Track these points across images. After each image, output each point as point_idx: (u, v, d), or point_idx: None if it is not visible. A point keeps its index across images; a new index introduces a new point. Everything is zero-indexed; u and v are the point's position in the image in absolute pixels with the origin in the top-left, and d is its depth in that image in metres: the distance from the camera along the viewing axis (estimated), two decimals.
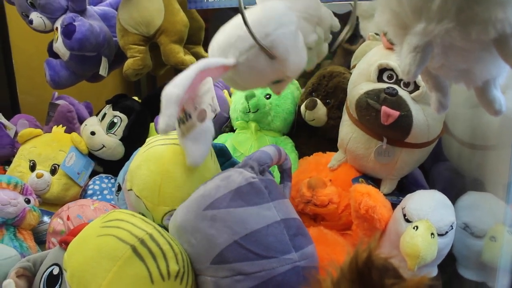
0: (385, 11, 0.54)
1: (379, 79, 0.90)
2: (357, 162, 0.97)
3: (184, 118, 0.71)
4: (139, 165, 0.78)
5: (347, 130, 0.97)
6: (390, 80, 0.89)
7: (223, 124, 1.14)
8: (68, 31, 1.07)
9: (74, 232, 0.80)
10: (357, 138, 0.94)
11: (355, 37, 1.36)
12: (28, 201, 0.97)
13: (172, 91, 0.61)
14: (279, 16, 0.70)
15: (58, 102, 1.36)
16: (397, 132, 0.87)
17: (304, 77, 1.21)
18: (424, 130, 0.88)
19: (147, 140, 0.82)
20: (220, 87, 1.20)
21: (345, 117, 0.99)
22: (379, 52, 0.94)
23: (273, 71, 0.71)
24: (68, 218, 0.94)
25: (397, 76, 0.88)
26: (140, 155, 0.79)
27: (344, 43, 0.95)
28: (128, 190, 0.80)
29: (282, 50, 0.69)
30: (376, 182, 0.97)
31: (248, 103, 1.05)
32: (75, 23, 1.09)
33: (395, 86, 0.87)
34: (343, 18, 0.87)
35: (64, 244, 0.78)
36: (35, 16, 1.15)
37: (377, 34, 1.15)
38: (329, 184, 0.92)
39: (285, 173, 0.85)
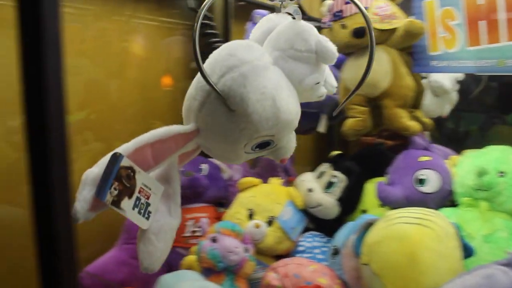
0: None
1: None
2: None
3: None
4: (380, 242, 0.75)
5: None
6: None
7: (446, 198, 1.06)
8: None
9: None
10: None
11: None
12: (246, 250, 1.00)
13: (90, 171, 0.54)
14: (226, 57, 0.59)
15: None
16: None
17: None
18: None
19: (388, 214, 0.79)
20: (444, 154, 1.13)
21: None
22: None
23: (238, 129, 0.59)
24: (285, 275, 0.94)
25: None
26: (381, 230, 0.77)
27: None
28: (363, 264, 0.78)
29: (236, 99, 0.58)
30: None
31: (480, 180, 0.97)
32: None
33: None
34: None
35: None
36: None
37: None
38: None
39: None
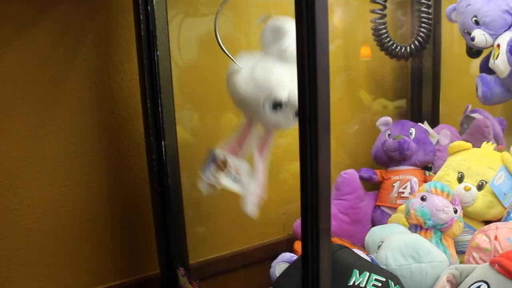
0: None
1: None
2: None
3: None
4: None
5: None
6: None
7: None
8: None
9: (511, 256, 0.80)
10: None
11: None
12: (455, 211, 1.03)
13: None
14: None
15: (473, 115, 1.39)
16: None
17: None
18: None
19: None
20: None
21: None
22: None
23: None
24: (495, 238, 0.95)
25: None
26: None
27: None
28: None
29: None
30: None
31: None
32: None
33: None
34: None
35: (499, 265, 0.80)
36: (478, 33, 1.19)
37: None
38: None
39: None
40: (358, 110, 1.48)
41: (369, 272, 0.80)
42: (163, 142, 1.03)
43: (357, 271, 0.79)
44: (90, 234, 1.08)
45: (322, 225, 0.60)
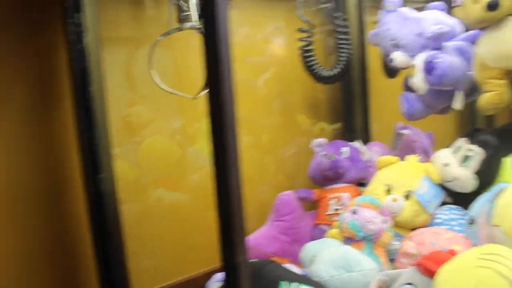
0: None
1: None
2: None
3: None
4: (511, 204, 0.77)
5: None
6: None
7: None
8: (430, 68, 1.15)
9: (433, 258, 0.85)
10: None
11: None
12: (384, 222, 1.08)
13: None
14: None
15: (403, 131, 1.46)
16: None
17: None
18: None
19: None
20: None
21: None
22: None
23: None
24: (421, 243, 1.00)
25: None
26: None
27: None
28: (495, 225, 0.81)
29: None
30: None
31: None
32: (437, 60, 1.15)
33: None
34: None
35: (422, 267, 0.84)
36: (397, 55, 1.28)
37: None
38: None
39: None
40: (297, 133, 1.53)
41: (298, 282, 0.82)
42: (99, 176, 1.04)
43: (285, 282, 0.82)
44: (29, 275, 1.06)
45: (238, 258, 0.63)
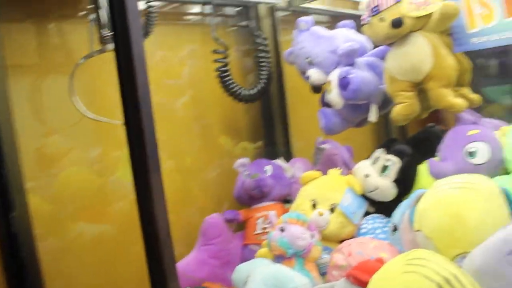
0: None
1: None
2: None
3: None
4: (429, 208, 0.81)
5: None
6: None
7: (498, 167, 1.08)
8: (345, 84, 1.19)
9: (361, 267, 0.87)
10: None
11: None
12: (312, 236, 1.09)
13: None
14: None
15: (323, 146, 1.50)
16: None
17: None
18: None
19: (435, 183, 0.85)
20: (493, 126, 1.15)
21: None
22: None
23: None
24: (349, 254, 1.01)
25: None
26: (428, 198, 0.82)
27: None
28: (416, 231, 0.83)
29: None
30: None
31: None
32: (350, 76, 1.20)
33: None
34: None
35: (352, 278, 0.85)
36: (312, 72, 1.31)
37: None
38: None
39: None
40: (219, 155, 1.52)
41: None
42: (11, 215, 0.96)
43: None
44: None
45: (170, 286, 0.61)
